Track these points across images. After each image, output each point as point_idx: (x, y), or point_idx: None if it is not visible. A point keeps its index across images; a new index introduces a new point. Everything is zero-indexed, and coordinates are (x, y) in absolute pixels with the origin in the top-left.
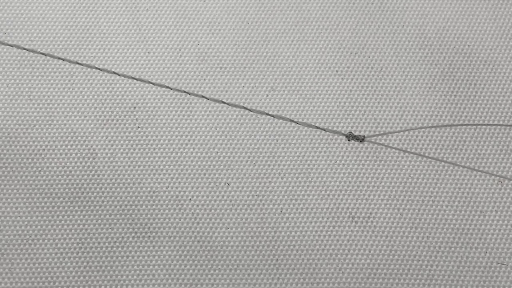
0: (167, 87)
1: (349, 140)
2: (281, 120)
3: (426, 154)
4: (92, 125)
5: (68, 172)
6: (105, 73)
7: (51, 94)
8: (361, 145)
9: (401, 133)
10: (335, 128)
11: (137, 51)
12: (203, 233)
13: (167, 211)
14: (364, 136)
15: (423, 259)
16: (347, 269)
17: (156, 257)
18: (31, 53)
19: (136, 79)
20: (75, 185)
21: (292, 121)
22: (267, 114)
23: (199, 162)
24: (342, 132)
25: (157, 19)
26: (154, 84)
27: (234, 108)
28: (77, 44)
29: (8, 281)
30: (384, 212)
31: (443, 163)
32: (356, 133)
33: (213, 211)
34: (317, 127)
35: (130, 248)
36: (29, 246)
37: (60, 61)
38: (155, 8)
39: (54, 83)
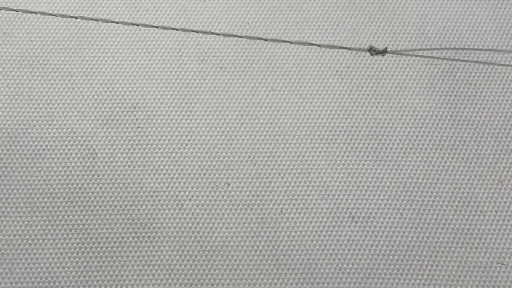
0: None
1: (372, 55)
2: (281, 120)
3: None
4: (92, 125)
5: (68, 172)
6: (105, 73)
7: (51, 94)
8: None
9: (401, 133)
10: (335, 127)
11: (137, 51)
12: (203, 233)
13: (167, 211)
14: (386, 48)
15: (423, 259)
16: (347, 269)
17: (156, 257)
18: (31, 53)
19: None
20: (75, 185)
21: (312, 44)
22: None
23: (199, 162)
24: (364, 47)
25: (157, 19)
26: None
27: (234, 108)
28: (77, 44)
29: (8, 281)
30: (384, 212)
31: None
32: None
33: (213, 211)
34: (340, 47)
35: (130, 248)
36: (29, 246)
37: (60, 61)
38: (155, 8)
39: (54, 83)
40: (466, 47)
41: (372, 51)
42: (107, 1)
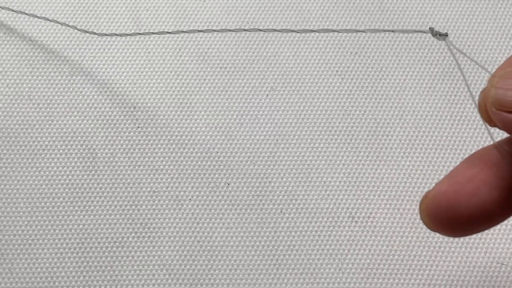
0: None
1: (433, 36)
2: (281, 120)
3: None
4: (92, 125)
5: (68, 172)
6: (105, 73)
7: (51, 94)
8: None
9: (401, 133)
10: (336, 127)
11: (137, 51)
12: (203, 233)
13: (167, 211)
14: (446, 33)
15: (423, 259)
16: (347, 269)
17: (156, 257)
18: (31, 53)
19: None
20: (75, 185)
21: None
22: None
23: (199, 162)
24: (424, 30)
25: (157, 19)
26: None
27: (234, 108)
28: (77, 44)
29: (8, 281)
30: (384, 212)
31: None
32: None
33: (213, 211)
34: (398, 30)
35: (130, 248)
36: (29, 246)
37: (60, 61)
38: (155, 8)
39: (54, 83)
40: (466, 47)
41: (434, 32)
42: (107, 1)
